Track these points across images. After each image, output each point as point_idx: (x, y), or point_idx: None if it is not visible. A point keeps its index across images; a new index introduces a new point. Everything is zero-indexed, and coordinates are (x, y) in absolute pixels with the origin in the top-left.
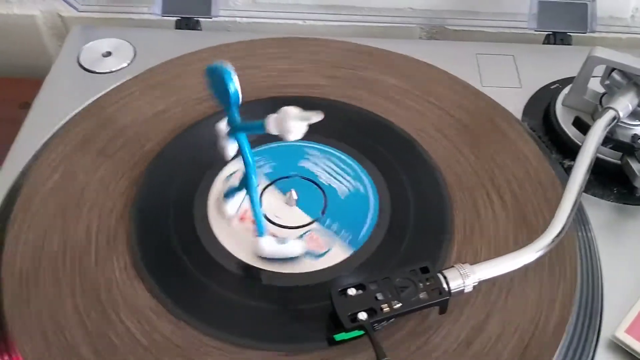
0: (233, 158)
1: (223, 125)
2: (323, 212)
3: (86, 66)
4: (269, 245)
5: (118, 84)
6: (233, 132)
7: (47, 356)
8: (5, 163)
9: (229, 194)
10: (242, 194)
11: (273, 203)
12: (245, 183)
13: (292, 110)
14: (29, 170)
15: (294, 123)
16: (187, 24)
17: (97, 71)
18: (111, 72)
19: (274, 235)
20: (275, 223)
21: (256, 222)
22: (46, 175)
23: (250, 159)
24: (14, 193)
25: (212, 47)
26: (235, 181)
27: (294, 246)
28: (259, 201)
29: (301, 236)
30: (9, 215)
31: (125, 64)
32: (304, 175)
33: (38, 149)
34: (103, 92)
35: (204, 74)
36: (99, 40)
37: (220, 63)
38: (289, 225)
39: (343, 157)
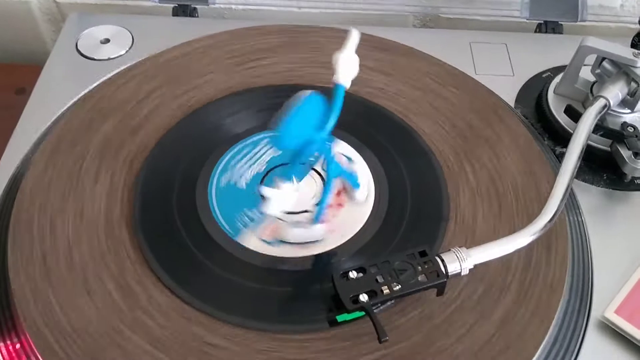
0: None
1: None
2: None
3: (84, 53)
4: (296, 233)
5: (117, 71)
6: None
7: (60, 345)
8: (6, 151)
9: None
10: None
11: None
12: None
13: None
14: (30, 159)
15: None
16: (184, 10)
17: (96, 58)
18: (109, 59)
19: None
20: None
21: (317, 210)
22: (47, 165)
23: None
24: (15, 182)
25: (208, 35)
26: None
27: (319, 230)
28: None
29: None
30: (12, 204)
31: (123, 51)
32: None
33: (38, 137)
34: (102, 79)
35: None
36: (97, 27)
37: (310, 94)
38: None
39: (341, 143)
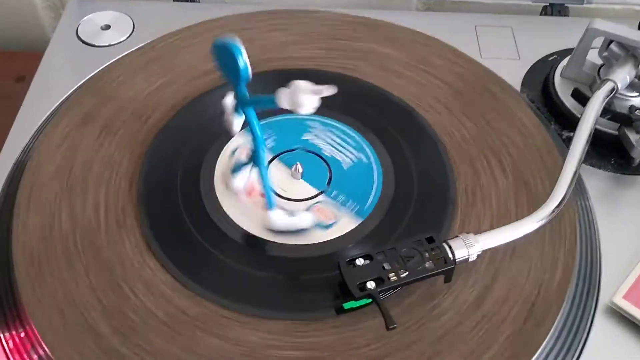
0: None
1: (229, 100)
2: (328, 184)
3: (85, 39)
4: (279, 218)
5: (118, 57)
6: (241, 107)
7: (63, 332)
8: (8, 139)
9: (237, 168)
10: (249, 168)
11: (279, 177)
12: (254, 158)
13: (303, 84)
14: (32, 149)
15: (306, 96)
16: None
17: (97, 44)
18: (110, 45)
19: (283, 209)
20: (282, 196)
21: (266, 195)
22: (50, 153)
23: (259, 133)
24: (17, 171)
25: (209, 20)
26: (241, 156)
27: (303, 218)
28: (267, 175)
29: (308, 209)
30: (15, 193)
31: (124, 37)
32: (307, 148)
33: (39, 125)
34: (103, 66)
35: (211, 49)
36: (97, 13)
37: (228, 38)
38: (296, 198)
39: (344, 128)
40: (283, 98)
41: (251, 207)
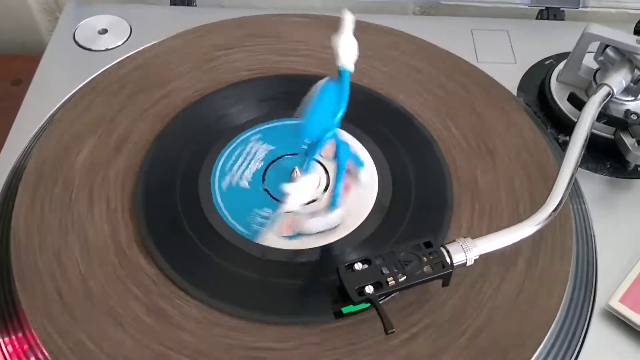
0: None
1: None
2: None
3: (82, 44)
4: (315, 223)
5: (116, 61)
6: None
7: None
8: (6, 144)
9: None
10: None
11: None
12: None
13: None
14: (30, 152)
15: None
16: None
17: (94, 49)
18: (107, 49)
19: (312, 213)
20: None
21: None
22: (48, 159)
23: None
24: (17, 174)
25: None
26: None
27: (336, 216)
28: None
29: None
30: (14, 195)
31: (121, 42)
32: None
33: (38, 129)
34: (100, 71)
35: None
36: (94, 17)
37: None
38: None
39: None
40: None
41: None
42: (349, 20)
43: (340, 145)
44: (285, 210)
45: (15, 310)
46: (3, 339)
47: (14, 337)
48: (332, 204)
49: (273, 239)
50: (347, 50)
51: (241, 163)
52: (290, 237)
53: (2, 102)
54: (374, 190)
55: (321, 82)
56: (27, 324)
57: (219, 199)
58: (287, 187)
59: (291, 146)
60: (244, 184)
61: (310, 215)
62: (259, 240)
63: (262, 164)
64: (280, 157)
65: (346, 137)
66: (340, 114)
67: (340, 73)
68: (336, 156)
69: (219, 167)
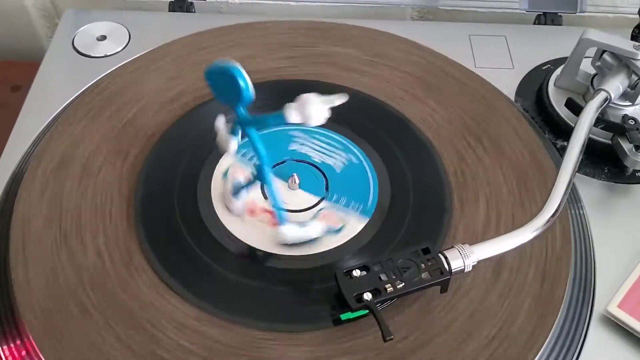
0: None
1: (221, 123)
2: (327, 189)
3: (81, 50)
4: (291, 231)
5: (112, 69)
6: (243, 128)
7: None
8: (5, 150)
9: (237, 191)
10: (248, 188)
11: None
12: (259, 176)
13: (312, 97)
14: (29, 159)
15: (316, 108)
16: (180, 6)
17: (93, 55)
18: (106, 56)
19: (292, 221)
20: (286, 209)
21: (276, 212)
22: (34, 205)
23: (264, 152)
24: (15, 180)
25: (163, 45)
26: (239, 177)
27: (314, 228)
28: (276, 192)
29: (314, 216)
30: (12, 203)
31: (120, 48)
32: (297, 158)
33: (37, 135)
34: (97, 79)
35: (205, 73)
36: (93, 23)
37: (225, 61)
38: (298, 208)
39: (327, 133)
40: (292, 113)
41: (256, 224)
42: (338, 100)
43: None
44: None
45: (14, 318)
46: (2, 347)
47: (12, 345)
48: (280, 222)
49: (264, 243)
50: (308, 111)
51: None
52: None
53: (2, 108)
54: (373, 194)
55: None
56: (25, 332)
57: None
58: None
59: (280, 154)
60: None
61: (287, 224)
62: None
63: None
64: (283, 162)
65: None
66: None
67: (280, 113)
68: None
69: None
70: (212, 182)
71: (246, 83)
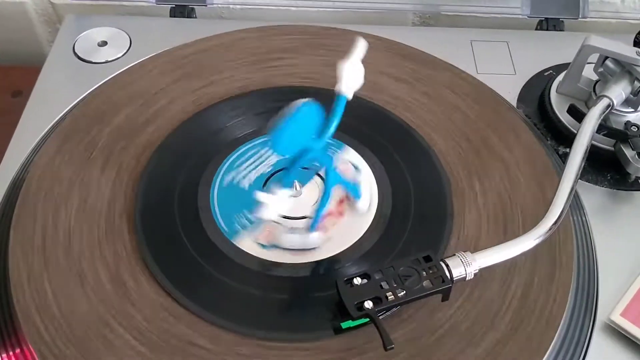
0: None
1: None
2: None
3: (82, 56)
4: (291, 239)
5: (111, 76)
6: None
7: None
8: (6, 156)
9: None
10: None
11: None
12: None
13: (347, 64)
14: (27, 174)
15: (355, 68)
16: (181, 11)
17: (94, 61)
18: (107, 61)
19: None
20: (289, 217)
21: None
22: (58, 150)
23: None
24: (15, 186)
25: (186, 43)
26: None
27: (313, 238)
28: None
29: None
30: (13, 209)
31: (121, 54)
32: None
33: (38, 141)
34: (96, 86)
35: (273, 142)
36: (94, 29)
37: (288, 110)
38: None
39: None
40: (343, 87)
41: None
42: (360, 47)
43: (328, 172)
44: (259, 217)
45: (13, 324)
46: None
47: (11, 353)
48: (311, 228)
49: (253, 247)
50: (350, 77)
51: (250, 164)
52: (264, 247)
53: (3, 114)
54: (373, 209)
55: (297, 103)
56: (24, 340)
57: (215, 192)
58: (260, 195)
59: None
60: (244, 184)
61: (289, 230)
62: (235, 241)
63: (269, 169)
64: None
65: (358, 163)
66: (325, 137)
67: (337, 97)
68: (325, 181)
69: (228, 162)
70: (219, 175)
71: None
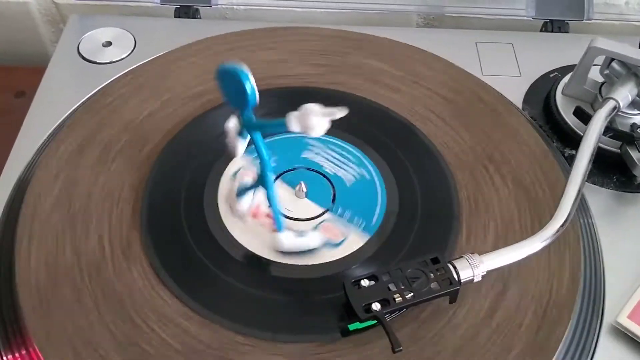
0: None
1: (232, 124)
2: (333, 201)
3: (87, 56)
4: (288, 239)
5: (113, 79)
6: (248, 131)
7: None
8: (9, 158)
9: (241, 192)
10: (254, 190)
11: (283, 196)
12: (260, 180)
13: (314, 107)
14: (32, 176)
15: (317, 119)
16: (186, 12)
17: (98, 61)
18: (112, 62)
19: (291, 229)
20: (289, 217)
21: (274, 218)
22: (48, 185)
23: (266, 156)
24: (20, 189)
25: (198, 41)
26: (246, 179)
27: (312, 238)
28: (276, 197)
29: (316, 227)
30: (18, 211)
31: (125, 54)
32: (308, 167)
33: (42, 142)
34: (98, 87)
35: (215, 74)
36: (99, 29)
37: (233, 63)
38: (301, 217)
39: (344, 145)
40: (293, 121)
41: (258, 228)
42: (339, 113)
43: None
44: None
45: (19, 327)
46: (6, 356)
47: (17, 355)
48: (278, 229)
49: (263, 249)
50: (307, 122)
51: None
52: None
53: (6, 115)
54: (379, 213)
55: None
56: (30, 340)
57: (222, 179)
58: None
59: (291, 160)
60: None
61: (285, 231)
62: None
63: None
64: (294, 169)
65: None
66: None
67: (282, 120)
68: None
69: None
70: (221, 180)
71: (252, 87)
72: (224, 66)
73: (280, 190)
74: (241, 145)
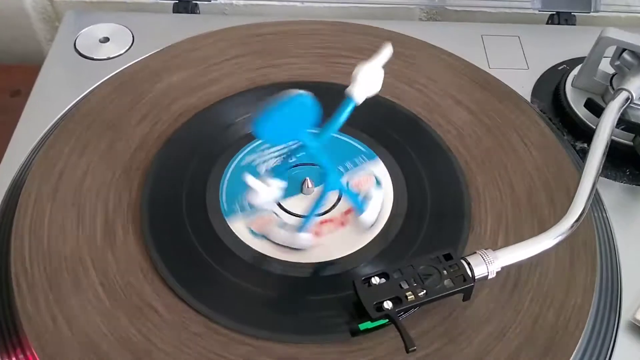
0: None
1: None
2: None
3: (83, 52)
4: (280, 234)
5: (112, 74)
6: (311, 148)
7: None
8: (5, 157)
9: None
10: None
11: (292, 202)
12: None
13: (364, 68)
14: (29, 170)
15: (372, 74)
16: (185, 7)
17: (96, 58)
18: (109, 58)
19: (284, 224)
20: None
21: (355, 205)
22: (46, 181)
23: (329, 164)
24: (15, 188)
25: (207, 33)
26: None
27: (302, 239)
28: (348, 190)
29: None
30: (13, 211)
31: (123, 50)
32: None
33: (38, 141)
34: (98, 83)
35: (255, 127)
36: (96, 25)
37: (282, 95)
38: (328, 208)
39: (352, 142)
40: (355, 91)
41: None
42: (385, 53)
43: (328, 177)
44: (248, 202)
45: (15, 329)
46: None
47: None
48: (299, 228)
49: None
50: (366, 82)
51: (275, 151)
52: (255, 234)
53: (1, 114)
54: (376, 230)
55: (293, 92)
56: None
57: (231, 168)
58: (249, 179)
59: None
60: (261, 169)
61: (281, 225)
62: (228, 220)
63: (292, 161)
64: (310, 163)
65: (376, 174)
66: (325, 136)
67: (345, 99)
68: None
69: (255, 144)
70: (223, 177)
71: (314, 103)
72: (269, 108)
73: (295, 178)
74: (275, 188)
